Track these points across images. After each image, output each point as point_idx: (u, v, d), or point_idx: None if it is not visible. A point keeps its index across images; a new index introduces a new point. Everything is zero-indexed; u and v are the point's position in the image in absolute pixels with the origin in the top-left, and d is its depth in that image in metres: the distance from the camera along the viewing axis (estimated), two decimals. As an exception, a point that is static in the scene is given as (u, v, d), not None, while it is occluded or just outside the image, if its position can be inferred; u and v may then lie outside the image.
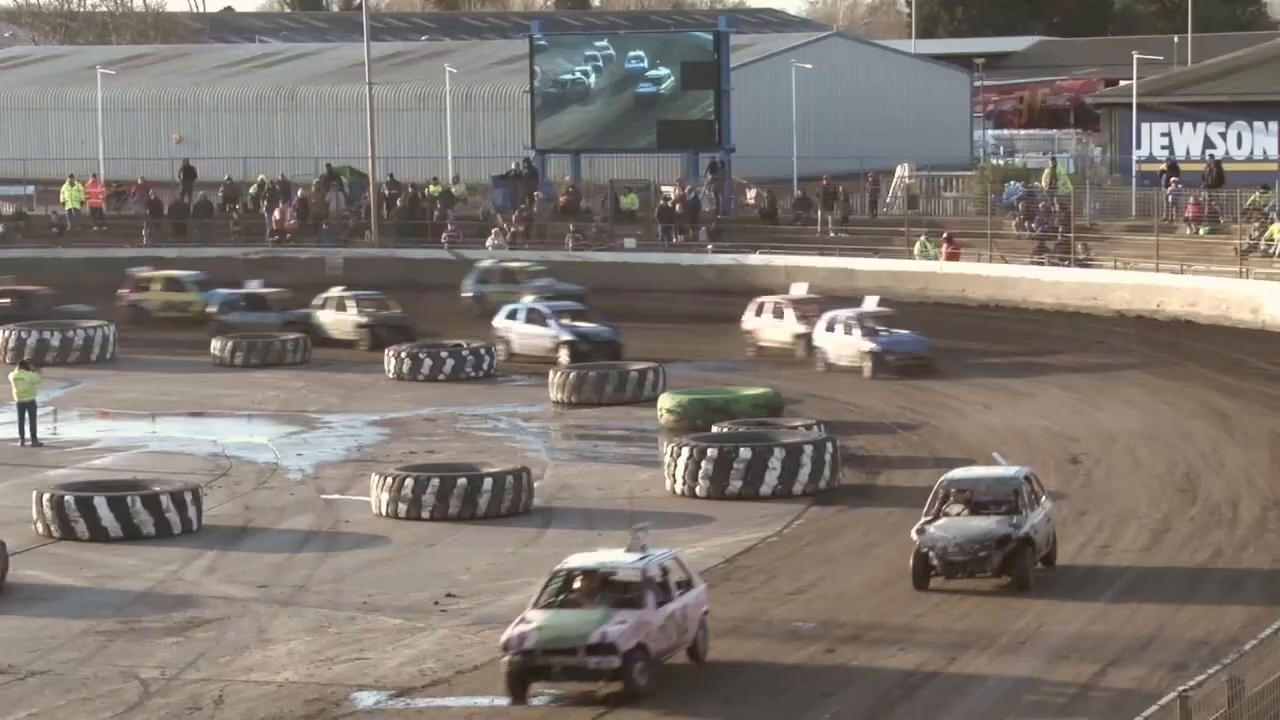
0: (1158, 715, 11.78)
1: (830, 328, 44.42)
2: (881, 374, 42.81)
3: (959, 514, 26.08)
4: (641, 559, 22.26)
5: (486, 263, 54.63)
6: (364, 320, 49.86)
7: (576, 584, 22.30)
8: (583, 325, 46.66)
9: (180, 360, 48.86)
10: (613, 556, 22.64)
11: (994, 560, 25.30)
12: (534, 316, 47.07)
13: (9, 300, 52.80)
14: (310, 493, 33.93)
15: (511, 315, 47.72)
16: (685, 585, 22.62)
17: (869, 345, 43.42)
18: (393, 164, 63.86)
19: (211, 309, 51.90)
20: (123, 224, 62.53)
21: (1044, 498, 26.83)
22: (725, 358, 46.70)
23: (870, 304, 45.54)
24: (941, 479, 26.69)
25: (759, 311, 47.15)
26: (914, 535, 25.80)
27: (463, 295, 52.97)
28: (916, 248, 52.90)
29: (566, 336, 45.95)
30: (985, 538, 25.35)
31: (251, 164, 66.43)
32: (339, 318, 50.32)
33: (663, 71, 60.80)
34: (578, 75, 61.84)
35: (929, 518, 25.97)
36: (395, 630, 25.03)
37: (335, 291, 51.01)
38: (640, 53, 61.42)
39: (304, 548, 29.87)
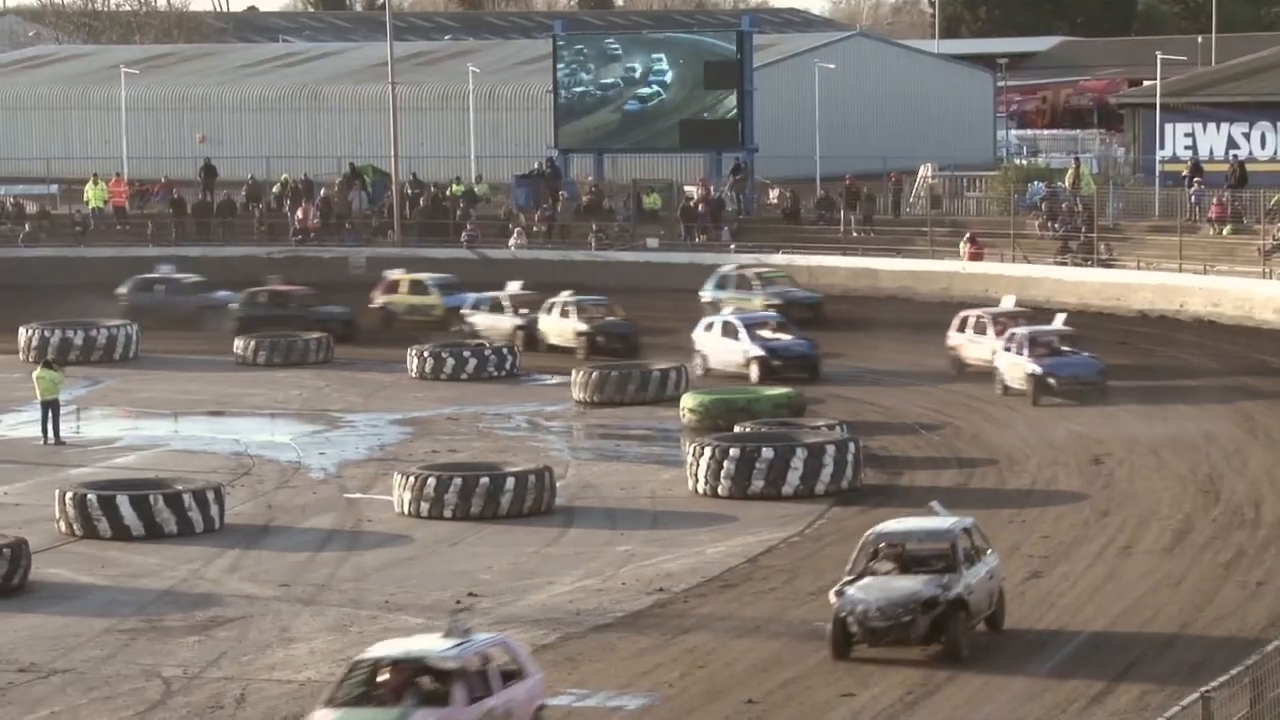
0: (1180, 716, 11.75)
1: (1006, 347, 40.74)
2: (1044, 398, 39.26)
3: (887, 572, 23.12)
4: (456, 646, 19.21)
5: (726, 268, 51.62)
6: (584, 328, 47.47)
7: (382, 677, 19.21)
8: (776, 338, 43.31)
9: (203, 359, 48.95)
10: (423, 644, 19.59)
11: (920, 626, 22.31)
12: (727, 330, 43.79)
13: (265, 299, 51.96)
14: (333, 491, 33.97)
15: (708, 328, 44.67)
16: (514, 676, 19.71)
17: (1033, 367, 39.68)
18: (415, 163, 63.94)
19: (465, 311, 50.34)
20: (145, 223, 62.66)
21: (990, 551, 23.88)
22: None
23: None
24: (869, 532, 23.91)
25: (961, 327, 43.56)
26: (832, 597, 22.86)
27: (701, 299, 50.34)
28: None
29: (756, 351, 42.70)
30: (910, 600, 22.34)
31: (275, 163, 66.55)
32: (561, 325, 48.07)
33: (685, 72, 60.79)
34: (601, 76, 61.86)
35: (851, 577, 23.05)
36: (417, 630, 25.01)
37: (562, 296, 48.71)
38: (662, 55, 61.43)
39: (326, 547, 29.91)
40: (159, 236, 61.35)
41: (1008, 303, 44.52)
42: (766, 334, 43.45)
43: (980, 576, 23.14)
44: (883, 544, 23.56)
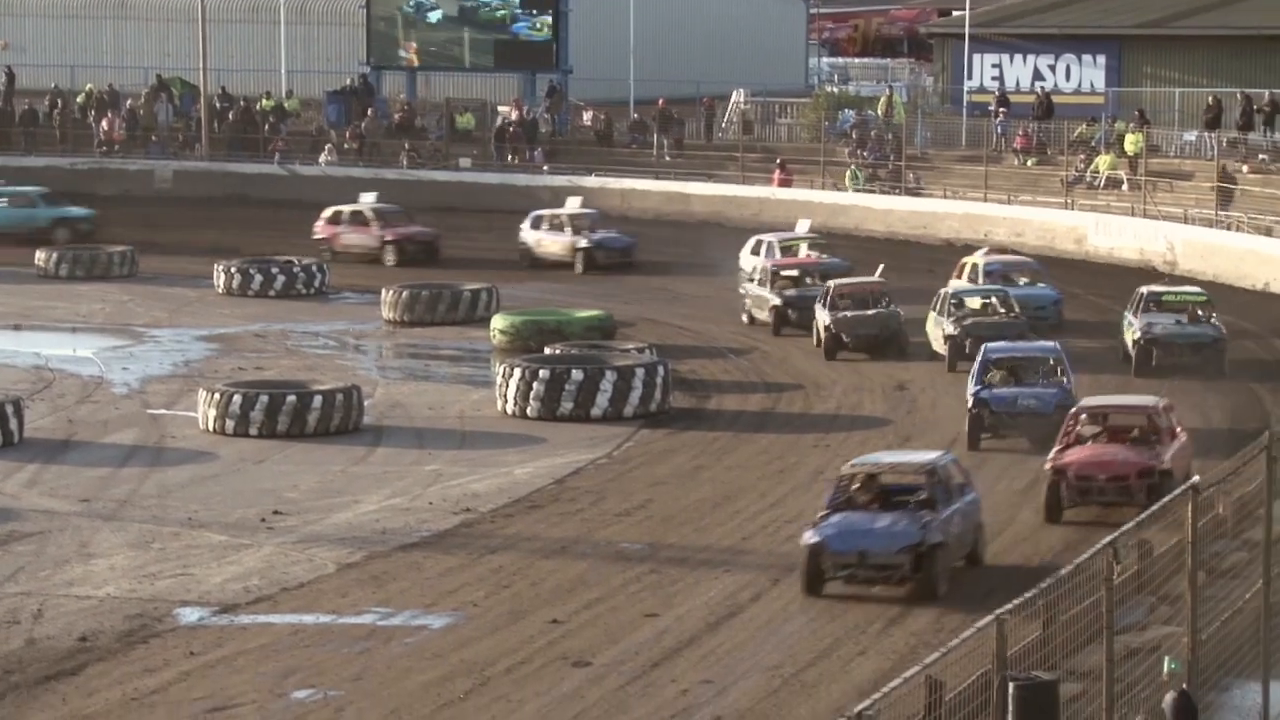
0: (975, 637, 12.00)
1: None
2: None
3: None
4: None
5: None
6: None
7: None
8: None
9: (3, 270, 48.04)
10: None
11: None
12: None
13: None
14: (136, 407, 33.58)
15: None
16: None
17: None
18: (225, 77, 62.99)
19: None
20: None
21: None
22: (561, 279, 46.66)
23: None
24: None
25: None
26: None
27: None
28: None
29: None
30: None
31: (80, 73, 65.25)
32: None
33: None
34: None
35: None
36: (220, 547, 24.88)
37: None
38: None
39: (128, 462, 29.58)
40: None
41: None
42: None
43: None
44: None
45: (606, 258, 47.93)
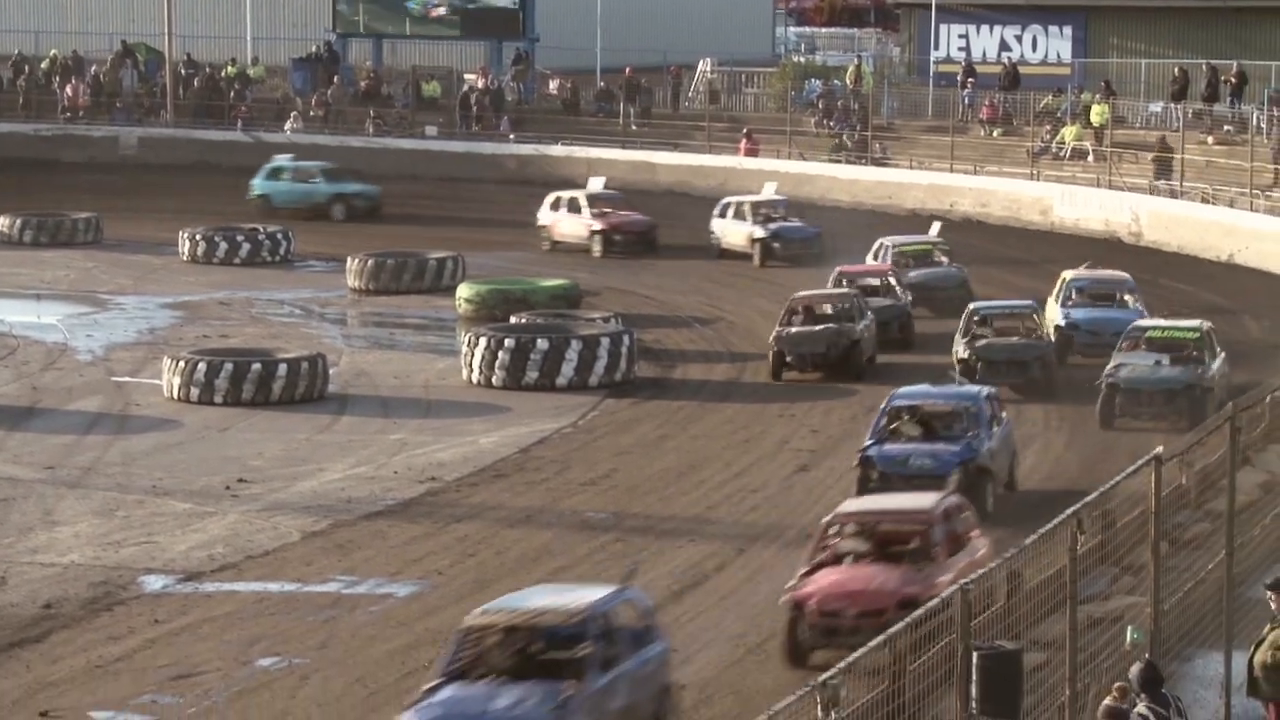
0: (939, 607, 12.07)
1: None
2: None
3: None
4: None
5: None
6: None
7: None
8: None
9: (-33, 237, 47.84)
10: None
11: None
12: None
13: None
14: (100, 374, 33.48)
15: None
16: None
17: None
18: (190, 43, 62.71)
19: None
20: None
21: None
22: (528, 248, 46.57)
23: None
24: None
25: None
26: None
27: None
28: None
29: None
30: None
31: (44, 38, 64.86)
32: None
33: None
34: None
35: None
36: (185, 515, 24.84)
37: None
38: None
39: (93, 430, 29.50)
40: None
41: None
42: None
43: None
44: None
45: (785, 249, 43.32)
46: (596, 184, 47.05)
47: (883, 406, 25.31)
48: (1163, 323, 30.97)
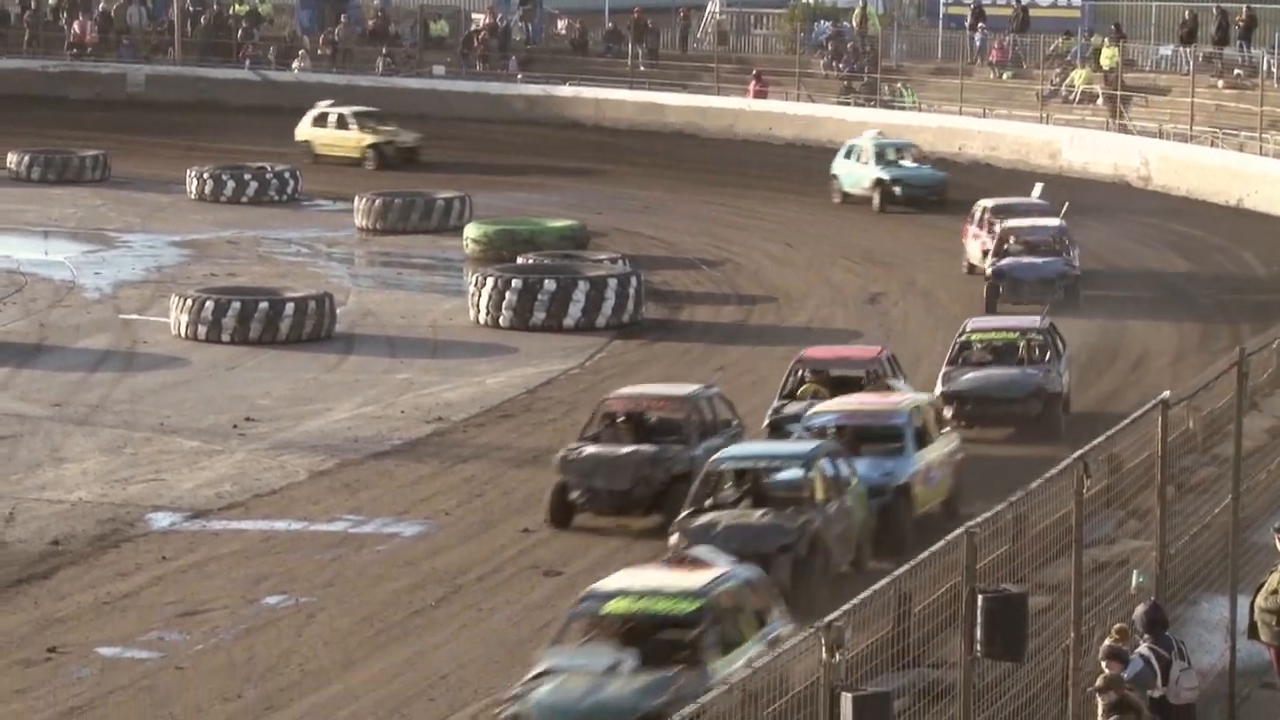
0: (944, 549, 12.08)
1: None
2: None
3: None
4: None
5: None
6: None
7: None
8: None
9: (-26, 174, 47.80)
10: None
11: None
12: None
13: None
14: (108, 312, 33.50)
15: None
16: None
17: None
18: (197, -20, 62.46)
19: None
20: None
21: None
22: (530, 189, 46.50)
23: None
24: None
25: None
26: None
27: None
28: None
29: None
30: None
31: (51, -26, 64.60)
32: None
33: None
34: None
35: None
36: (192, 453, 24.90)
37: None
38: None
39: (100, 367, 29.54)
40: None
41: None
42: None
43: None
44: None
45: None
46: (1037, 190, 39.06)
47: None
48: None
